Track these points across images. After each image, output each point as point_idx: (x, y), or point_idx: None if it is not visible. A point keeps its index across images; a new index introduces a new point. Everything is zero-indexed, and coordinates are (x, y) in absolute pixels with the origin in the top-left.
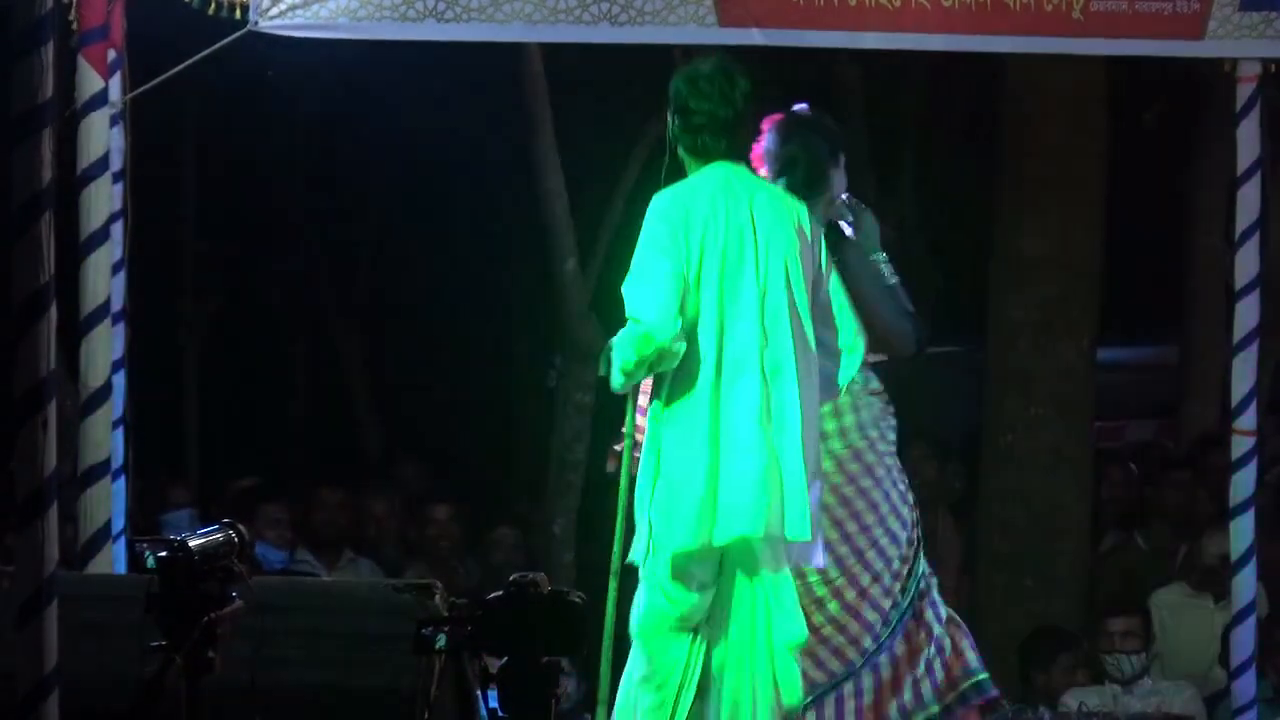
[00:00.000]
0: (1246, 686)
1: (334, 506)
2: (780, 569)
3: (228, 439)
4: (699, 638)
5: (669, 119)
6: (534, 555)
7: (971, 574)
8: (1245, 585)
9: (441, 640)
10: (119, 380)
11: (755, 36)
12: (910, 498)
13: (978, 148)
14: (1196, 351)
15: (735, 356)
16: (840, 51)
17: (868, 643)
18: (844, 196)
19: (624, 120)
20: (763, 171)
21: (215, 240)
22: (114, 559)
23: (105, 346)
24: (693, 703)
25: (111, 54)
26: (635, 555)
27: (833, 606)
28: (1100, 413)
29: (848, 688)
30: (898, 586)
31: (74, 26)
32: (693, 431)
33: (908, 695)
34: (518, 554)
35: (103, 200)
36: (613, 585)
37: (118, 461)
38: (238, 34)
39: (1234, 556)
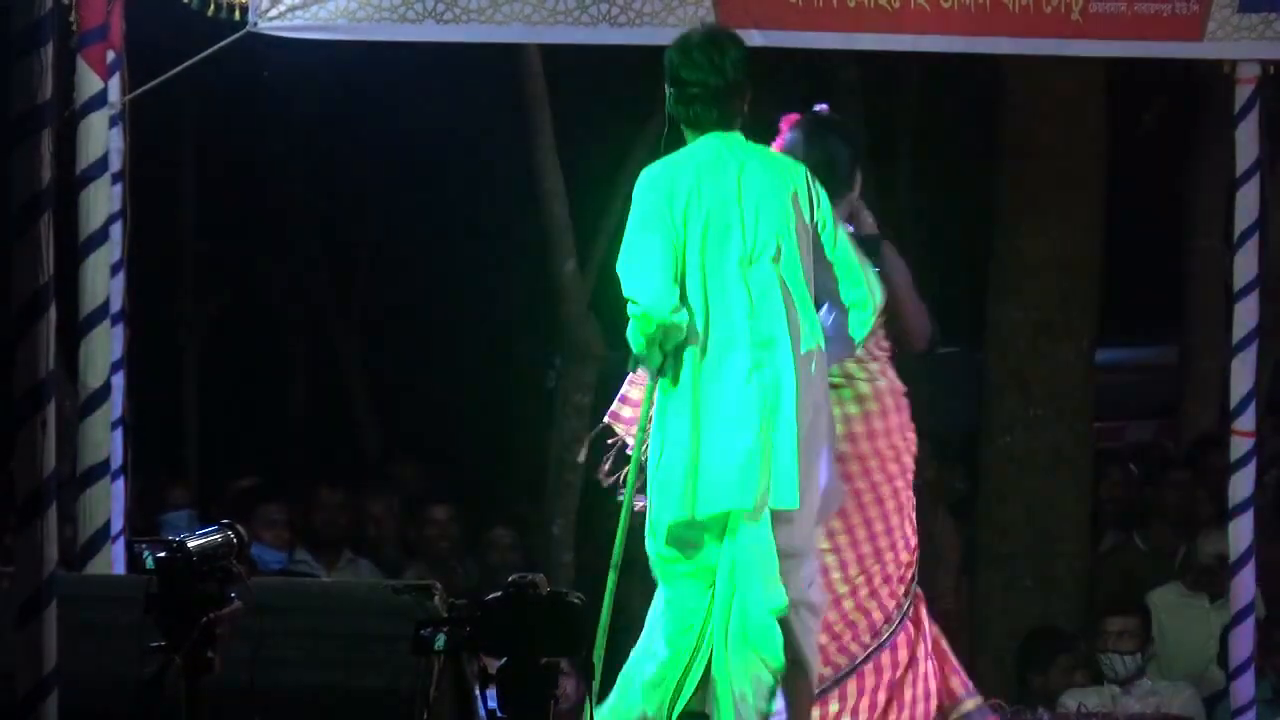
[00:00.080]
0: (1245, 687)
1: (333, 507)
2: (767, 538)
3: (227, 439)
4: (707, 621)
5: (666, 91)
6: (533, 556)
7: (971, 574)
8: (1244, 586)
9: (440, 641)
10: (118, 381)
11: (754, 37)
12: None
13: (978, 148)
14: (1196, 352)
15: (722, 330)
16: (839, 52)
17: (868, 639)
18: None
19: (624, 120)
20: None
21: (215, 240)
22: (113, 559)
23: (104, 347)
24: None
25: (111, 55)
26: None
27: (848, 604)
28: (1100, 413)
29: (851, 685)
30: (902, 590)
31: (73, 27)
32: (681, 406)
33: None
34: (515, 554)
35: (102, 201)
36: (612, 578)
37: (117, 462)
38: (237, 35)
39: (1233, 557)
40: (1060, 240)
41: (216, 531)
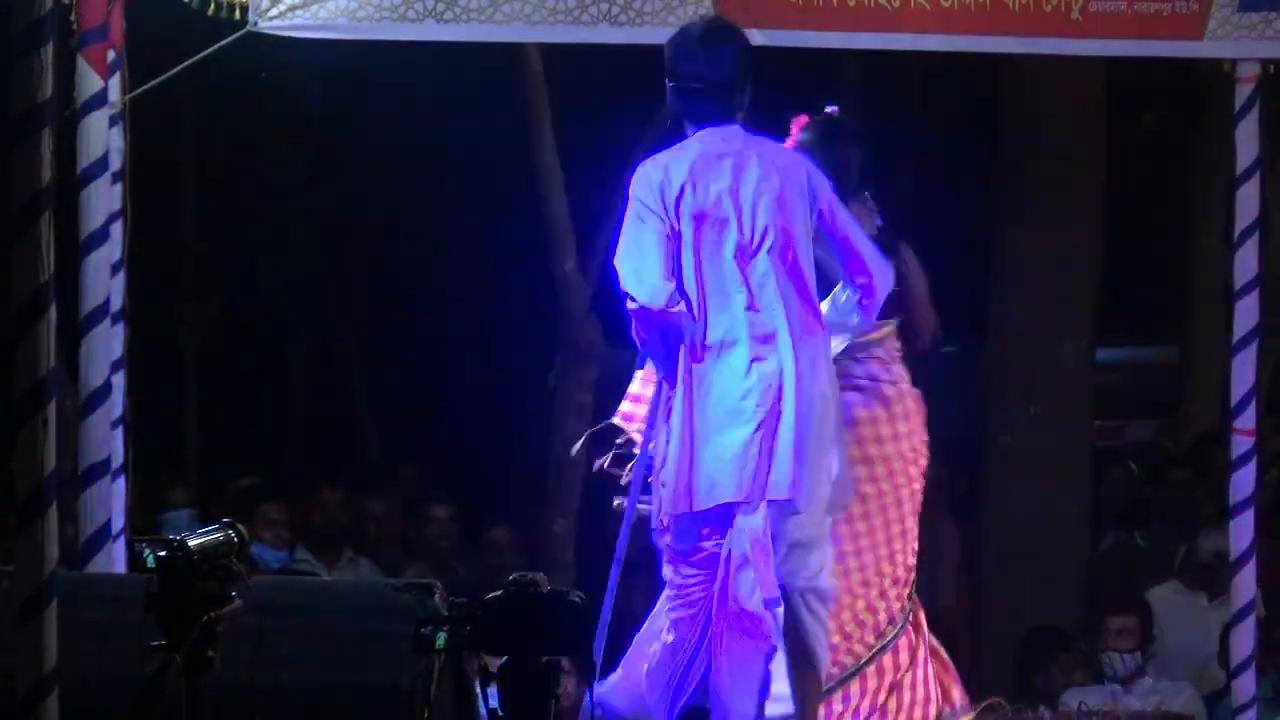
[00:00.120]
0: (1246, 685)
1: (334, 506)
2: (761, 528)
3: (227, 439)
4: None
5: (666, 84)
6: (534, 555)
7: (971, 574)
8: (1245, 584)
9: (441, 639)
10: (118, 380)
11: (754, 37)
12: None
13: (978, 147)
14: (1196, 351)
15: (721, 323)
16: (839, 52)
17: (872, 639)
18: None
19: (624, 120)
20: None
21: (215, 240)
22: (114, 559)
23: (105, 346)
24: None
25: (111, 54)
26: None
27: (860, 604)
28: (1100, 412)
29: (855, 685)
30: (906, 593)
31: (74, 27)
32: (681, 400)
33: None
34: (515, 553)
35: (102, 200)
36: (614, 575)
37: (118, 461)
38: (237, 34)
39: (1233, 556)
40: (1060, 239)
41: (217, 530)
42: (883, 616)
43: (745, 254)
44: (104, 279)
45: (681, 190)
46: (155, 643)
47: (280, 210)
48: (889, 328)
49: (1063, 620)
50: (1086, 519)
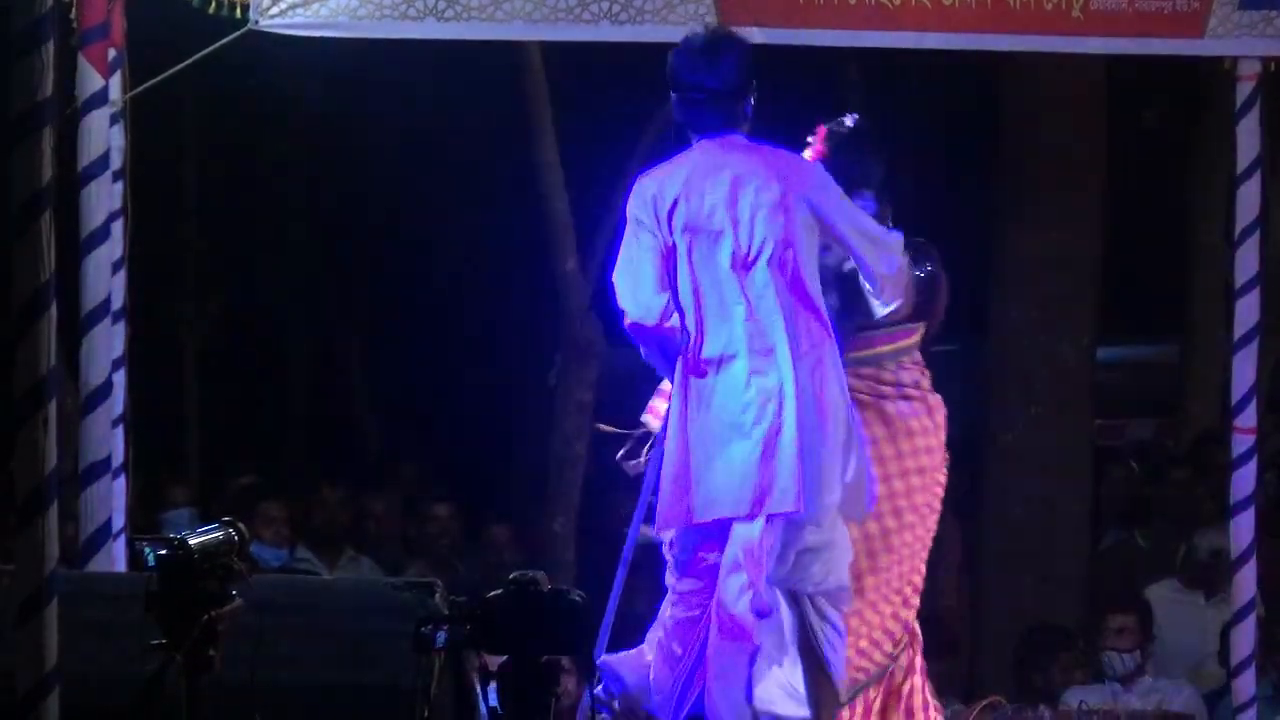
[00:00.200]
0: (1246, 685)
1: (335, 505)
2: (755, 539)
3: (228, 438)
4: None
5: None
6: (534, 553)
7: (971, 574)
8: (1245, 583)
9: (441, 638)
10: (119, 379)
11: (755, 35)
12: None
13: (978, 146)
14: (1197, 349)
15: (720, 337)
16: (840, 50)
17: (889, 647)
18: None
19: (624, 120)
20: None
21: (215, 240)
22: (114, 557)
23: (105, 345)
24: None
25: (112, 53)
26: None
27: (888, 611)
28: (1101, 411)
29: (870, 691)
30: (917, 600)
31: (74, 25)
32: (680, 413)
33: None
34: (514, 551)
35: (103, 199)
36: (620, 575)
37: (118, 460)
38: (238, 33)
39: (1234, 554)
40: (1061, 238)
41: (218, 529)
42: (897, 626)
43: (743, 266)
44: (105, 278)
45: (675, 203)
46: (156, 641)
47: (280, 210)
48: (919, 332)
49: (1063, 619)
50: (1086, 518)
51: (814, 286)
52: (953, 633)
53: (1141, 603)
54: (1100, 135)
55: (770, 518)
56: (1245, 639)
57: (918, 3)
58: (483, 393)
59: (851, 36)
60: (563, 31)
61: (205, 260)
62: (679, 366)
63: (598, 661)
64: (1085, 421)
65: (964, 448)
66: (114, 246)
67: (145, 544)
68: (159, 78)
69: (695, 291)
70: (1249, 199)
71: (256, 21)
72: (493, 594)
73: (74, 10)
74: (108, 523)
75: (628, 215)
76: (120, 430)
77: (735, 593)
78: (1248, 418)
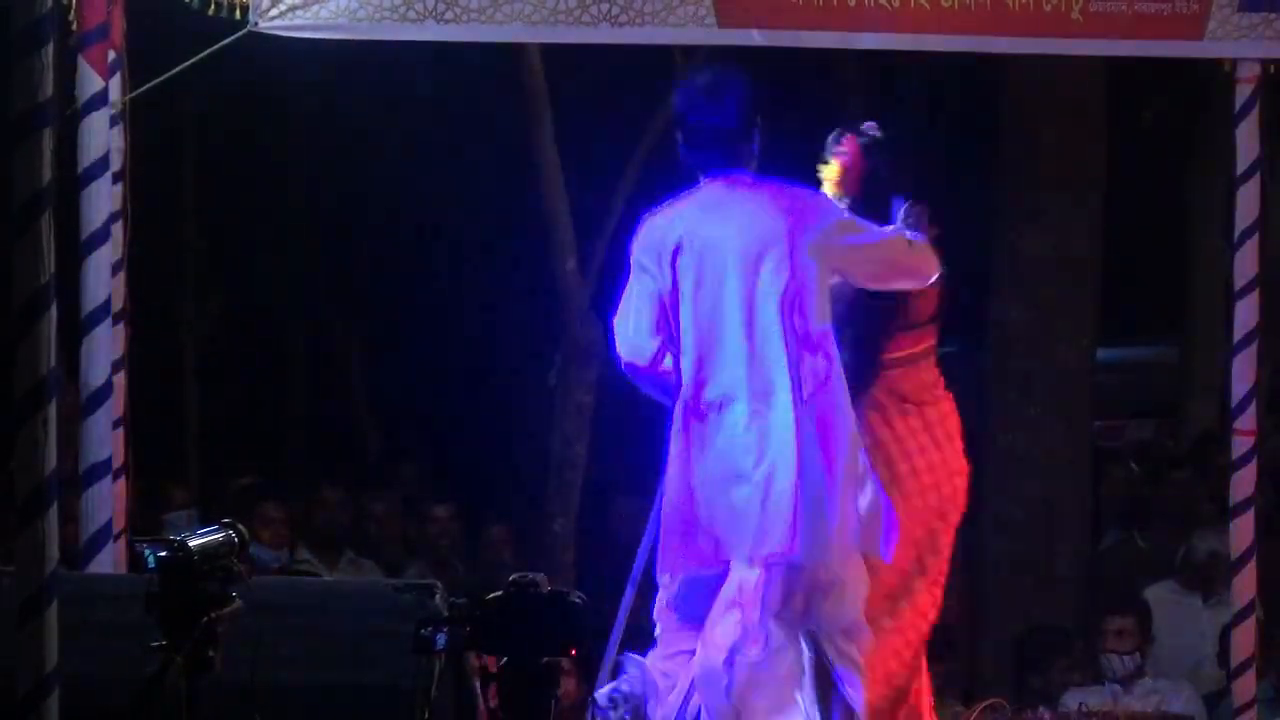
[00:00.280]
0: (1246, 686)
1: (335, 506)
2: (753, 583)
3: (228, 439)
4: None
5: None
6: (533, 555)
7: (971, 574)
8: (1245, 585)
9: (441, 640)
10: (119, 380)
11: (754, 37)
12: None
13: (978, 148)
14: (1196, 351)
15: (721, 380)
16: (840, 52)
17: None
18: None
19: (624, 120)
20: (829, 189)
21: (215, 240)
22: (114, 559)
23: (105, 346)
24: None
25: (111, 54)
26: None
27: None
28: (1101, 412)
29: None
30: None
31: (74, 27)
32: (677, 457)
33: None
34: (512, 551)
35: (103, 200)
36: (629, 594)
37: (118, 461)
38: (238, 34)
39: (1234, 556)
40: (1060, 239)
41: (218, 531)
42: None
43: (747, 308)
44: (104, 279)
45: (678, 246)
46: (156, 643)
47: (280, 210)
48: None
49: (1063, 620)
50: (1086, 519)
51: (820, 325)
52: (952, 633)
53: (1141, 604)
54: (1100, 135)
55: (769, 562)
56: (1245, 641)
57: (917, 4)
58: (483, 393)
59: (851, 38)
60: (562, 34)
61: (205, 260)
62: (679, 410)
63: (621, 657)
64: (1085, 422)
65: (964, 447)
66: (114, 248)
67: (145, 545)
68: (159, 79)
69: (697, 334)
70: (1249, 201)
71: (256, 23)
72: (492, 595)
73: (74, 12)
74: (108, 524)
75: (631, 257)
76: (120, 431)
77: (720, 634)
78: (1247, 419)
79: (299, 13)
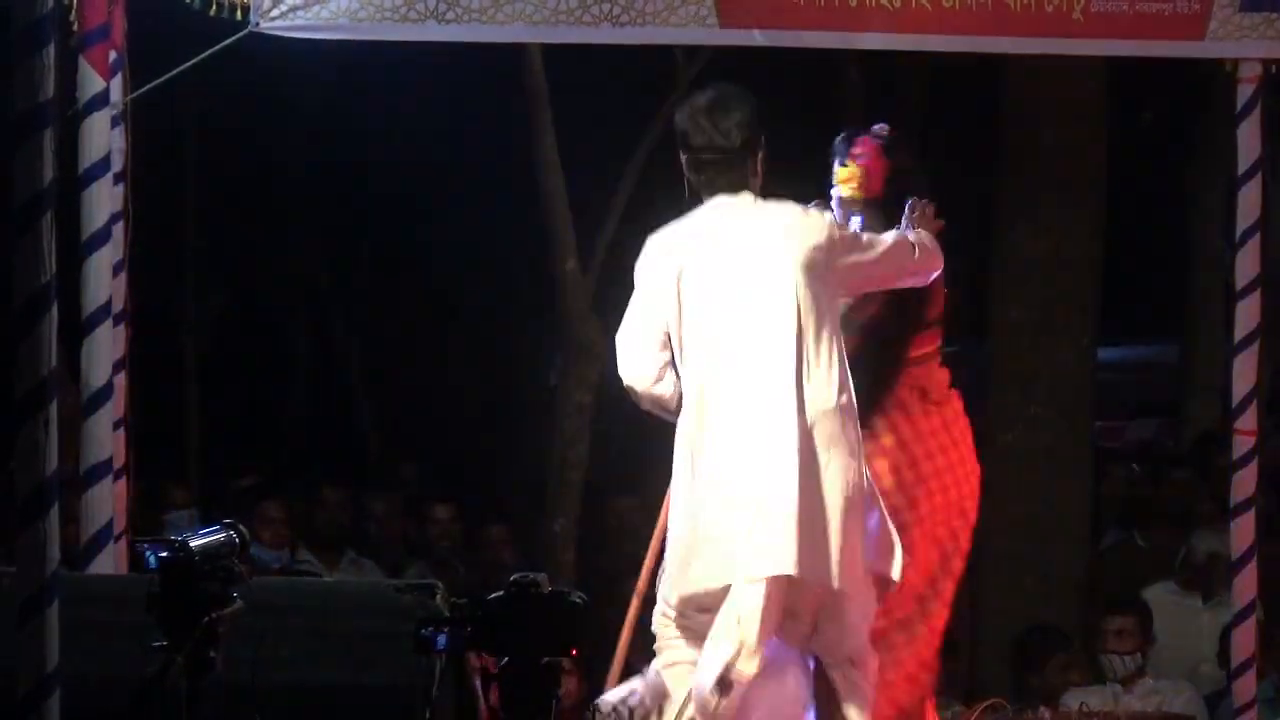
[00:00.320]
0: (1246, 686)
1: (335, 506)
2: (752, 606)
3: (228, 439)
4: None
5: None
6: (534, 555)
7: (971, 573)
8: (1245, 585)
9: (442, 640)
10: (120, 380)
11: (755, 37)
12: None
13: (978, 148)
14: (1197, 351)
15: (723, 403)
16: (841, 52)
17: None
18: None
19: (624, 121)
20: (850, 191)
21: (215, 240)
22: (115, 559)
23: (106, 347)
24: None
25: (112, 55)
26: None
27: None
28: (1101, 412)
29: None
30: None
31: (75, 27)
32: (678, 480)
33: None
34: (511, 551)
35: (104, 200)
36: (634, 607)
37: (119, 462)
38: (238, 35)
39: (1234, 556)
40: (1061, 239)
41: (218, 531)
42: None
43: (751, 330)
44: (105, 279)
45: (682, 267)
46: (156, 643)
47: (280, 210)
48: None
49: (1062, 620)
50: (1086, 519)
51: (824, 345)
52: (952, 633)
53: (1141, 604)
54: (1101, 136)
55: (769, 581)
56: (1245, 641)
57: (917, 4)
58: (483, 393)
59: (852, 38)
60: (563, 34)
61: (205, 260)
62: (681, 430)
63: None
64: (1085, 422)
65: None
66: (115, 248)
67: (146, 546)
68: (160, 80)
69: (700, 355)
70: (1250, 201)
71: (257, 23)
72: (493, 595)
73: (74, 12)
74: (108, 524)
75: (635, 278)
76: (121, 432)
77: (716, 654)
78: (1248, 419)
79: (300, 13)
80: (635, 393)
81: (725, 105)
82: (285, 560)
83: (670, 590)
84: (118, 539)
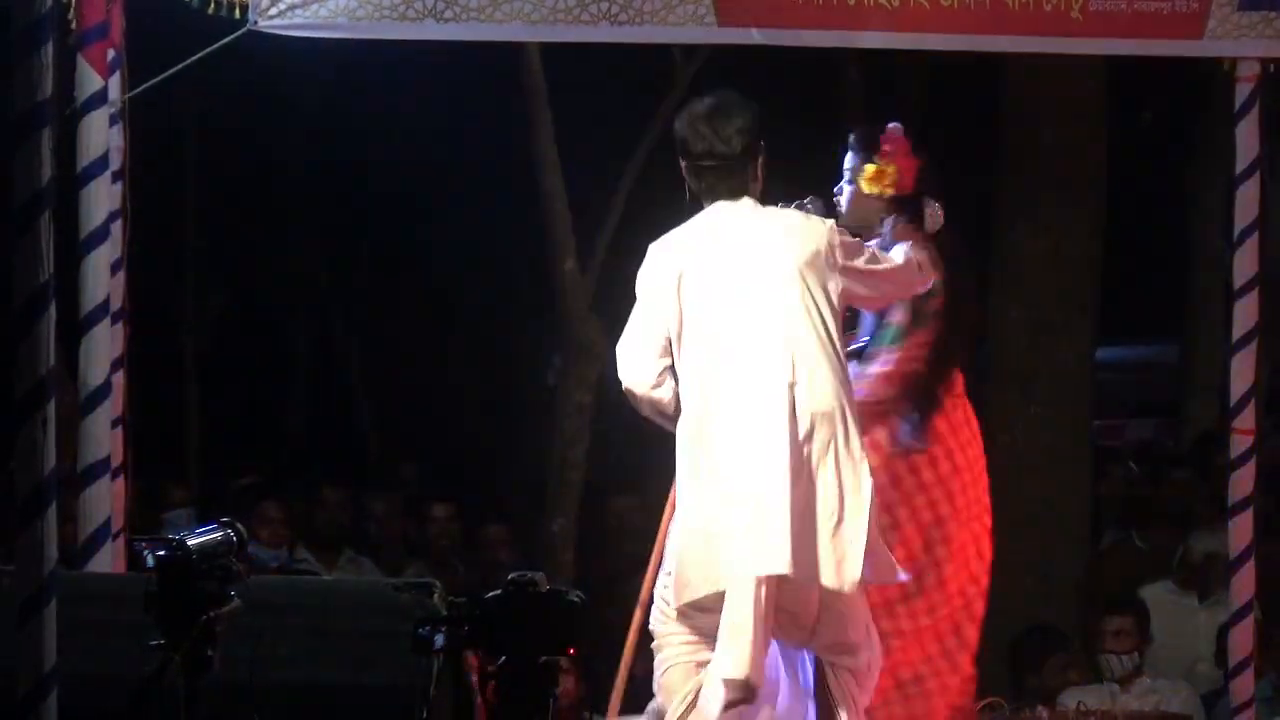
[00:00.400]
0: (1244, 686)
1: (335, 505)
2: (751, 605)
3: (227, 438)
4: None
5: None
6: (533, 554)
7: None
8: (1243, 584)
9: (440, 639)
10: (118, 379)
11: (754, 36)
12: None
13: (978, 146)
14: (1196, 350)
15: (722, 408)
16: (840, 51)
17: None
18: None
19: (623, 120)
20: (873, 189)
21: (215, 239)
22: (113, 558)
23: (105, 345)
24: None
25: (111, 53)
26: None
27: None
28: (1100, 411)
29: None
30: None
31: (73, 25)
32: (680, 478)
33: None
34: (509, 550)
35: (102, 199)
36: (638, 615)
37: (117, 460)
38: (237, 33)
39: (1232, 555)
40: (1060, 238)
41: (216, 530)
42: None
43: (749, 334)
44: (104, 278)
45: (686, 274)
46: (154, 642)
47: (280, 210)
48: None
49: (1061, 620)
50: (1086, 519)
51: (825, 349)
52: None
53: (1139, 604)
54: (1100, 135)
55: (767, 581)
56: (1243, 640)
57: (917, 4)
58: (483, 393)
59: (851, 37)
60: (562, 33)
61: (205, 260)
62: (681, 435)
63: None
64: (1084, 421)
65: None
66: (113, 247)
67: (144, 545)
68: (158, 78)
69: (701, 361)
70: (1248, 200)
71: (255, 22)
72: (491, 595)
73: (73, 11)
74: (106, 523)
75: (637, 284)
76: (119, 431)
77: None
78: (1247, 419)
79: (298, 12)
80: (634, 396)
81: (725, 112)
82: (283, 559)
83: (670, 589)
84: (116, 538)
